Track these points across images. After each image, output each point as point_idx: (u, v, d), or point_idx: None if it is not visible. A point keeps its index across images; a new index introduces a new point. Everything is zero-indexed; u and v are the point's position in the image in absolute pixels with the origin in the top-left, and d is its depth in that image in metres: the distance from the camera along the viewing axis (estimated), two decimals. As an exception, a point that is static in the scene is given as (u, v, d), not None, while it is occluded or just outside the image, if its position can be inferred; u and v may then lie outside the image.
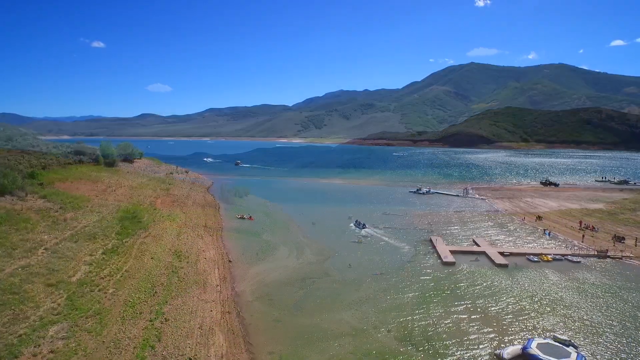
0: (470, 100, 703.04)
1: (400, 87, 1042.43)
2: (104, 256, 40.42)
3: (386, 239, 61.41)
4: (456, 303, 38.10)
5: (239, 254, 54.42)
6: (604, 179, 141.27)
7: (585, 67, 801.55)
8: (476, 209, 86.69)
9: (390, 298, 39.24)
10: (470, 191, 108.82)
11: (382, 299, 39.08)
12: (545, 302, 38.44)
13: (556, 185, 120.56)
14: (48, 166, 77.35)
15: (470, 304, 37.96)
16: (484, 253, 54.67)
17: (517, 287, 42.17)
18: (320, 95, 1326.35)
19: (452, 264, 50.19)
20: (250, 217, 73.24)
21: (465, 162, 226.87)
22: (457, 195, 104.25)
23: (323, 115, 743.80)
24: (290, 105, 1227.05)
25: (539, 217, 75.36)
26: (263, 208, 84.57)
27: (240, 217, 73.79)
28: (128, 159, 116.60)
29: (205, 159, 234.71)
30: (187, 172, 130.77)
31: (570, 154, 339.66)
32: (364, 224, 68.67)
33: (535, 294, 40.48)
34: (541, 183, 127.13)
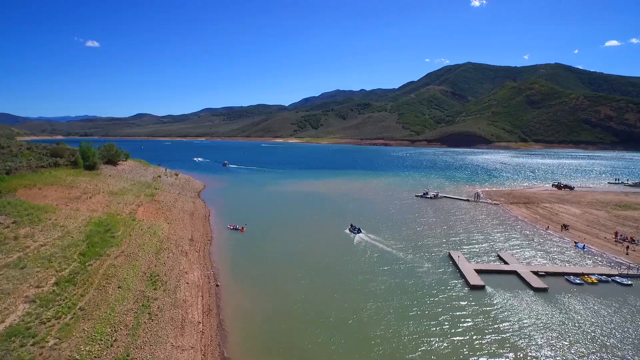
0: (467, 100, 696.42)
1: (396, 86, 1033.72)
2: (55, 288, 32.02)
3: (400, 254, 53.37)
4: (503, 353, 29.90)
5: (229, 274, 46.31)
6: (617, 181, 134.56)
7: (580, 67, 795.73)
8: (491, 216, 79.02)
9: (420, 343, 31.17)
10: (482, 196, 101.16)
11: (408, 346, 31.01)
12: (614, 350, 30.26)
13: (571, 188, 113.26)
14: (14, 170, 68.63)
15: (521, 355, 29.70)
16: (515, 273, 46.90)
17: (569, 324, 34.14)
18: (317, 95, 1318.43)
19: (481, 287, 42.34)
20: (242, 228, 65.00)
21: (468, 163, 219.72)
22: (468, 200, 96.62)
23: (319, 115, 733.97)
24: (287, 105, 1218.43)
25: (565, 226, 67.73)
26: (253, 215, 76.29)
27: (232, 228, 65.58)
28: (112, 160, 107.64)
29: (195, 159, 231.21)
30: (177, 174, 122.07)
31: (571, 154, 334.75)
32: (358, 229, 64.57)
33: (597, 334, 32.45)
34: (554, 186, 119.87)
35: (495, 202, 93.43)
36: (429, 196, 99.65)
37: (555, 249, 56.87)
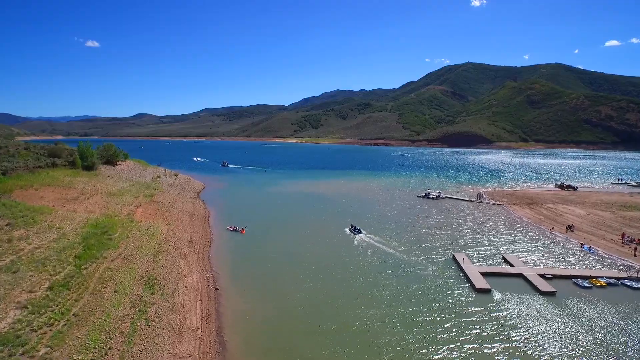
0: (467, 100, 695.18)
1: (397, 86, 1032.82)
2: (48, 293, 30.96)
3: (402, 256, 52.30)
4: None
5: (228, 277, 45.25)
6: (620, 181, 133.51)
7: (580, 67, 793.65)
8: (495, 217, 77.94)
9: (427, 352, 30.11)
10: (484, 196, 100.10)
11: (414, 354, 29.93)
12: None
13: (574, 189, 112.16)
14: (11, 171, 67.49)
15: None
16: (521, 275, 45.84)
17: (581, 331, 32.93)
18: (317, 95, 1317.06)
19: (487, 291, 41.26)
20: (242, 229, 63.93)
21: (469, 163, 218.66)
22: (470, 201, 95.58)
23: (320, 114, 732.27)
24: (287, 105, 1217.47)
25: (570, 228, 66.70)
26: (253, 216, 75.22)
27: (232, 230, 64.52)
28: (111, 161, 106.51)
29: (195, 159, 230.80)
30: (176, 175, 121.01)
31: (572, 154, 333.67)
32: (359, 229, 63.83)
33: (611, 343, 31.21)
34: (556, 186, 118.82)
35: (498, 202, 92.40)
36: (430, 197, 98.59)
37: (560, 251, 55.82)
